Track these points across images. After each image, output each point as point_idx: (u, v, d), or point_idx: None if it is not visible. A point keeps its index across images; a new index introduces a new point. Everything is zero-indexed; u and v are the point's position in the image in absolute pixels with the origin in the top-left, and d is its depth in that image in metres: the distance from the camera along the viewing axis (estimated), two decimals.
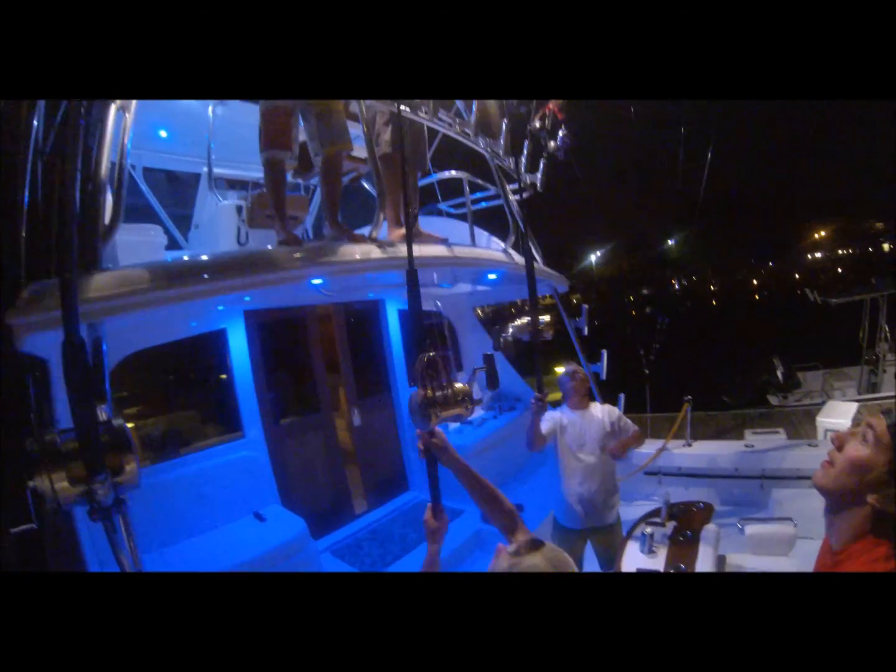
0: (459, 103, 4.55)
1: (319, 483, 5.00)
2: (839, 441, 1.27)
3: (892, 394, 10.60)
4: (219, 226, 4.99)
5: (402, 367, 5.89)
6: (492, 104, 4.22)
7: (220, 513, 3.92)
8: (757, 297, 67.71)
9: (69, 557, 2.75)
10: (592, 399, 3.90)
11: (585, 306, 5.65)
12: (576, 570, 1.25)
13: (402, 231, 3.36)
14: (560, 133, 4.84)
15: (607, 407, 3.79)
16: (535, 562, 1.21)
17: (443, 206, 5.61)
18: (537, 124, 4.68)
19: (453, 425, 5.95)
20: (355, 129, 3.42)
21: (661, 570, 3.32)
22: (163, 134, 4.90)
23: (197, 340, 4.25)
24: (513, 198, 4.13)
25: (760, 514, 4.74)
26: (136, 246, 3.61)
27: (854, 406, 8.42)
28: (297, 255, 2.71)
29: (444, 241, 3.63)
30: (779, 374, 13.61)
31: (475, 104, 3.78)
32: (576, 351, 5.59)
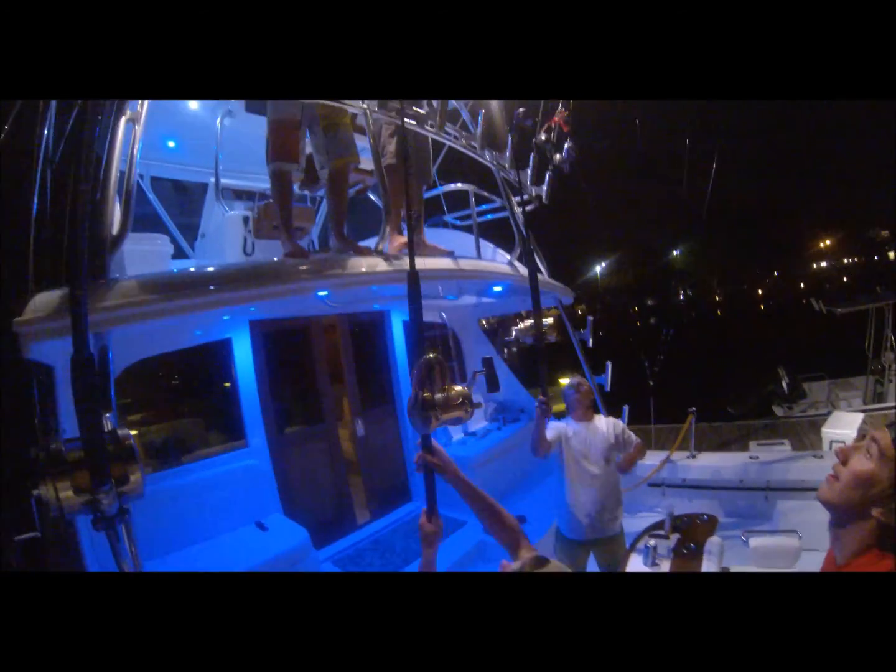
0: (465, 115, 4.58)
1: (322, 493, 4.99)
2: (844, 455, 1.27)
3: None
4: (225, 236, 5.02)
5: (407, 379, 5.89)
6: (497, 117, 4.26)
7: (222, 521, 3.91)
8: (762, 306, 67.56)
9: (70, 564, 2.76)
10: (597, 411, 3.90)
11: (590, 318, 5.65)
12: None
13: (403, 240, 3.37)
14: (566, 146, 4.88)
15: (611, 419, 3.79)
16: None
17: (448, 217, 5.63)
18: (543, 137, 4.72)
19: (457, 436, 5.95)
20: (361, 142, 3.45)
21: None
22: (171, 144, 4.95)
23: (202, 349, 4.27)
24: (517, 209, 4.14)
25: (765, 527, 4.71)
26: (143, 255, 3.64)
27: (860, 416, 8.35)
28: (303, 267, 2.72)
29: (450, 254, 3.65)
30: (784, 384, 13.51)
31: (481, 117, 3.80)
32: (580, 363, 5.58)
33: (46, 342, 2.03)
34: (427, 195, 4.54)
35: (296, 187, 3.79)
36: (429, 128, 3.34)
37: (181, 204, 5.60)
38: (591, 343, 5.60)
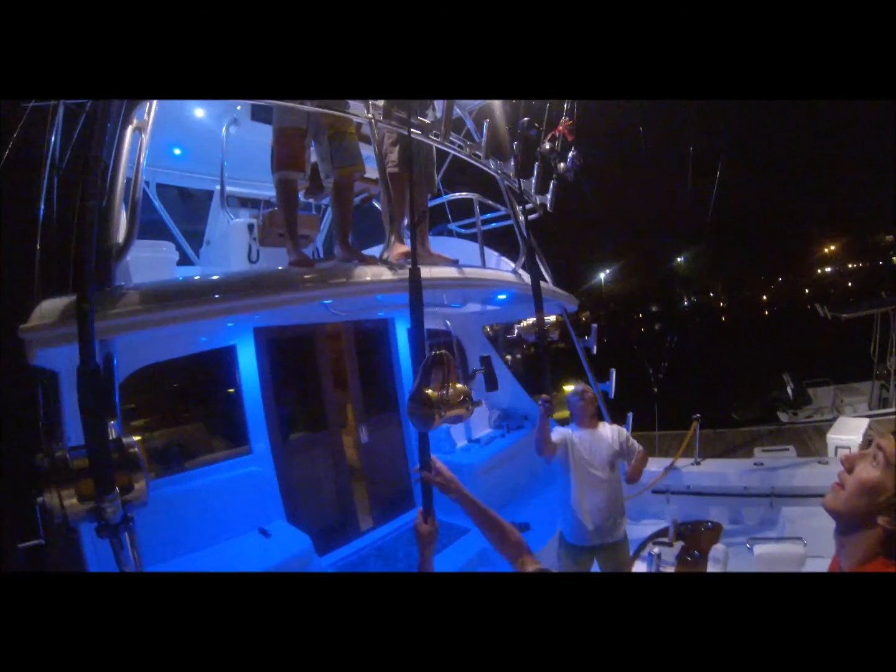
0: (470, 124, 4.60)
1: (325, 500, 4.98)
2: (849, 463, 1.27)
3: None
4: (230, 243, 5.04)
5: (411, 386, 5.87)
6: (502, 126, 4.27)
7: (225, 528, 3.91)
8: (766, 312, 67.34)
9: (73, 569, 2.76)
10: (601, 418, 3.91)
11: (595, 325, 5.65)
12: None
13: (404, 249, 3.36)
14: (570, 154, 4.90)
15: (616, 427, 3.83)
16: None
17: (453, 226, 5.65)
18: (547, 146, 4.73)
19: (461, 443, 5.95)
20: (367, 151, 3.46)
21: None
22: (177, 151, 4.98)
23: (207, 356, 4.28)
24: (521, 218, 4.16)
25: (770, 534, 4.70)
26: (149, 262, 3.66)
27: (865, 422, 8.29)
28: (308, 276, 2.73)
29: (454, 263, 3.65)
30: (788, 390, 13.46)
31: (485, 126, 3.82)
32: (585, 370, 5.58)
33: (52, 349, 2.05)
34: (431, 204, 4.55)
35: (301, 195, 3.80)
36: (433, 137, 3.35)
37: (186, 211, 5.61)
38: (595, 350, 5.59)
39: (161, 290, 2.26)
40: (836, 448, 7.59)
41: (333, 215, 3.75)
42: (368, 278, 2.86)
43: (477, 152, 3.84)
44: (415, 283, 1.76)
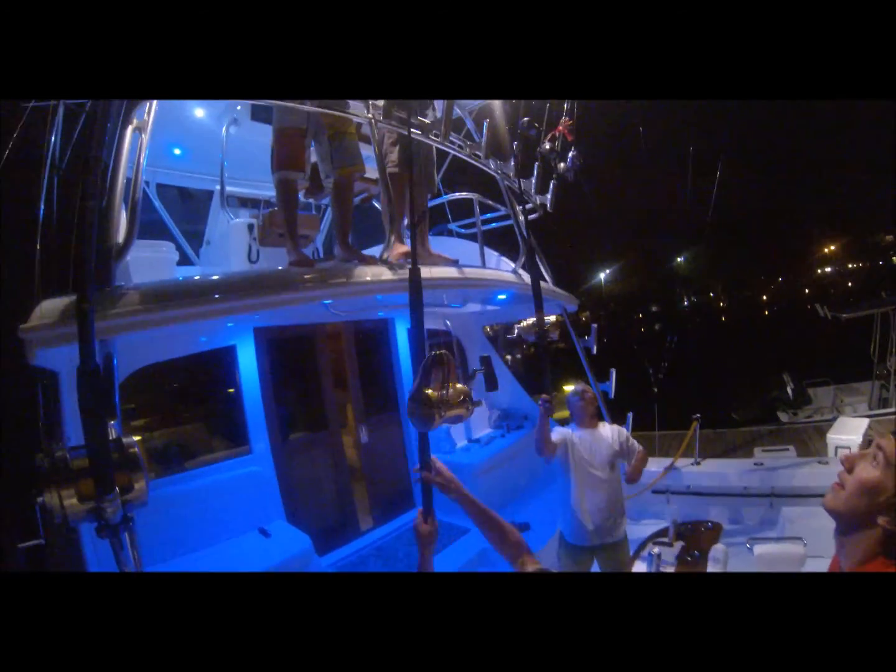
0: (470, 124, 4.60)
1: (325, 500, 4.98)
2: (849, 463, 1.27)
3: None
4: (230, 243, 5.04)
5: (411, 386, 5.86)
6: (502, 126, 4.27)
7: (225, 528, 3.91)
8: (766, 312, 67.35)
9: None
10: (601, 418, 3.91)
11: (595, 325, 5.65)
12: None
13: (404, 249, 3.36)
14: (570, 154, 4.90)
15: (616, 426, 3.84)
16: None
17: (453, 226, 5.65)
18: (547, 146, 4.73)
19: (461, 443, 5.94)
20: (367, 151, 3.46)
21: None
22: (177, 151, 4.98)
23: (207, 356, 4.28)
24: (521, 218, 4.16)
25: (770, 533, 4.70)
26: (149, 262, 3.65)
27: (865, 422, 8.29)
28: (308, 276, 2.73)
29: (455, 263, 3.65)
30: (788, 390, 13.47)
31: (485, 126, 3.82)
32: (585, 370, 5.58)
33: (52, 348, 2.04)
34: (431, 204, 4.55)
35: (301, 195, 3.80)
36: (433, 137, 3.35)
37: (186, 211, 5.62)
38: (595, 350, 5.59)
39: (161, 291, 2.26)
40: (836, 448, 7.59)
41: (333, 215, 3.75)
42: (368, 278, 2.86)
43: (477, 152, 3.85)
44: (415, 283, 1.76)
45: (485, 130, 3.83)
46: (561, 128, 4.81)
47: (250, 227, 4.98)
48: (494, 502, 5.21)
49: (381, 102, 3.00)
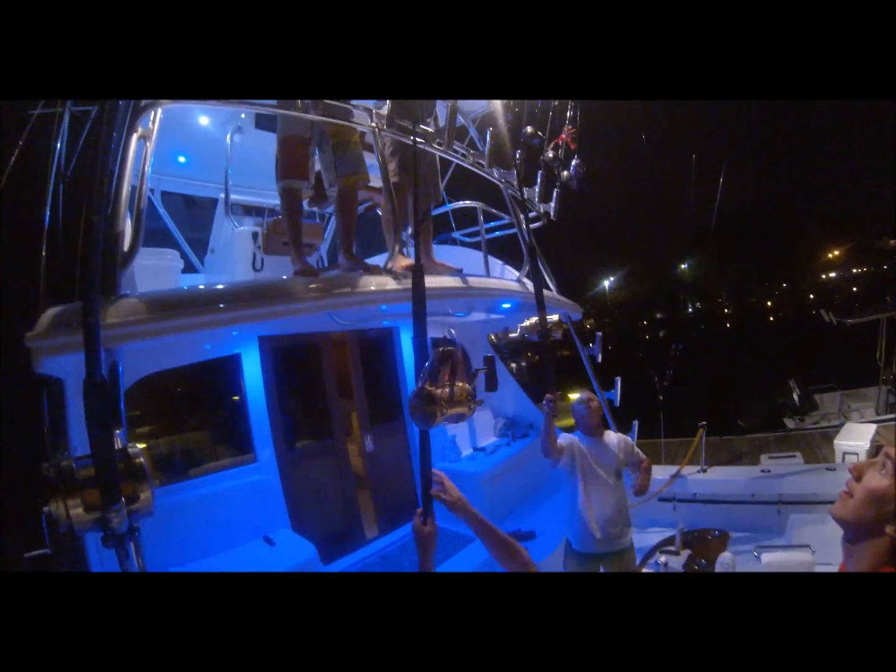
0: (473, 133, 4.62)
1: (330, 508, 4.97)
2: (857, 472, 1.26)
3: None
4: (234, 251, 5.06)
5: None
6: (505, 135, 4.28)
7: (230, 536, 3.90)
8: (771, 318, 67.19)
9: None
10: (607, 426, 3.91)
11: (599, 334, 5.64)
12: None
13: (408, 262, 3.36)
14: (573, 163, 4.91)
15: (621, 435, 3.83)
16: None
17: (457, 234, 5.66)
18: (550, 154, 4.74)
19: (466, 452, 5.92)
20: (370, 160, 3.47)
21: None
22: (182, 159, 5.01)
23: (212, 364, 4.29)
24: (525, 226, 4.16)
25: (778, 541, 4.66)
26: (154, 269, 3.67)
27: (872, 427, 8.27)
28: (313, 286, 2.74)
29: (459, 272, 3.65)
30: (795, 396, 13.44)
31: (489, 134, 3.83)
32: (590, 379, 5.56)
33: (58, 357, 2.05)
34: (436, 212, 4.56)
35: (305, 204, 3.82)
36: (437, 146, 3.36)
37: (191, 218, 5.65)
38: (599, 359, 5.58)
39: (167, 300, 2.27)
40: (844, 454, 7.57)
41: (337, 224, 3.77)
42: (373, 288, 2.87)
43: (480, 161, 3.86)
44: (418, 291, 1.75)
45: (488, 139, 3.84)
46: (564, 136, 4.83)
47: (254, 235, 5.00)
48: (500, 511, 5.21)
49: (384, 111, 3.01)
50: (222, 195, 5.04)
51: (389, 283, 2.92)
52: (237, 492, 4.10)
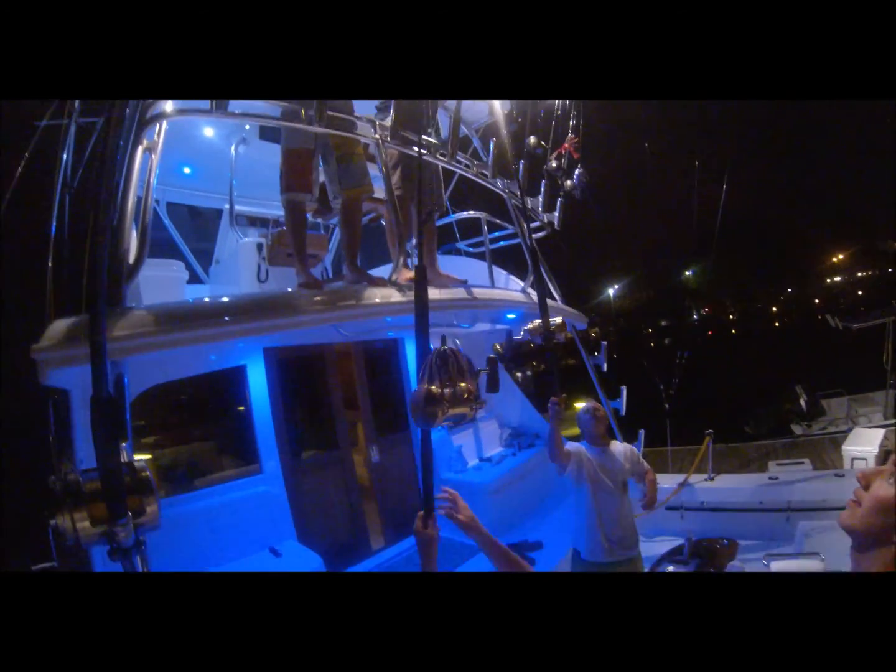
0: (476, 143, 4.63)
1: (336, 519, 4.95)
2: (866, 480, 1.25)
3: None
4: (239, 262, 5.08)
5: None
6: (508, 145, 4.30)
7: (236, 547, 3.89)
8: (777, 324, 66.97)
9: None
10: (613, 436, 3.90)
11: (604, 343, 5.63)
12: None
13: (411, 275, 3.36)
14: (576, 172, 4.92)
15: (626, 445, 3.84)
16: None
17: (461, 245, 5.67)
18: (553, 164, 4.76)
19: (472, 462, 5.90)
20: (374, 171, 3.49)
21: None
22: (187, 170, 5.05)
23: (217, 375, 4.29)
24: (529, 236, 4.17)
25: (787, 549, 4.62)
26: (159, 281, 3.68)
27: (881, 432, 8.20)
28: (317, 298, 2.74)
29: (463, 283, 3.66)
30: (802, 402, 13.35)
31: (492, 145, 3.84)
32: (595, 388, 5.55)
33: (64, 369, 2.05)
34: (440, 223, 4.57)
35: (309, 216, 3.83)
36: (440, 156, 3.37)
37: (196, 229, 5.68)
38: (605, 368, 5.56)
39: (172, 312, 2.27)
40: (853, 459, 7.52)
41: (342, 236, 3.77)
42: (377, 300, 2.87)
43: (484, 171, 3.86)
44: (420, 297, 1.75)
45: (491, 149, 3.85)
46: (567, 145, 4.85)
47: (259, 246, 5.02)
48: (507, 521, 5.17)
49: (388, 122, 3.02)
50: (227, 206, 5.06)
51: (394, 295, 2.92)
52: (242, 503, 4.09)
